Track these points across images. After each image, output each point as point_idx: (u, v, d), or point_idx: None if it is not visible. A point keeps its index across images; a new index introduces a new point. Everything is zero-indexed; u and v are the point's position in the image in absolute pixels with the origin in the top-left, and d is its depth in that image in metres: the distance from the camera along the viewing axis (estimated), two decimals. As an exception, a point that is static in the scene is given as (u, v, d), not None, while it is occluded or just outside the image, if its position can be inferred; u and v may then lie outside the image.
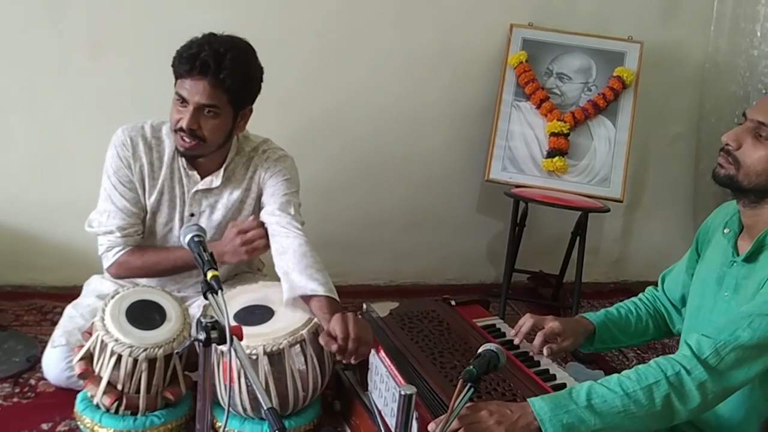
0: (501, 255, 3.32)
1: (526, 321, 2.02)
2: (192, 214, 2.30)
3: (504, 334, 2.18)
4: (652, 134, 3.54)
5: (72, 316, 2.30)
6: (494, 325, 2.24)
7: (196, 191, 2.27)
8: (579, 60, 3.19)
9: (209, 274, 1.67)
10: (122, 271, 2.28)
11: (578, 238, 3.09)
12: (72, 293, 2.52)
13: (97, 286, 2.42)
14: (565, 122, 3.08)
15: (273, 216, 2.23)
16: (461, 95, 3.25)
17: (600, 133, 3.15)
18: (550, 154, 3.09)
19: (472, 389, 1.57)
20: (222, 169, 2.26)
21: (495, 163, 3.12)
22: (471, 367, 1.59)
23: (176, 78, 2.10)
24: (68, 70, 2.76)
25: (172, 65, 2.08)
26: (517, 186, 3.08)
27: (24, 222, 2.90)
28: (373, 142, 3.20)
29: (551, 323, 1.96)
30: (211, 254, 1.77)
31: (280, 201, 2.26)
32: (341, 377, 2.28)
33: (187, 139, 2.11)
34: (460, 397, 1.54)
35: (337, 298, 2.04)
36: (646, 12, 3.34)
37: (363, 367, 2.12)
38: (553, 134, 3.08)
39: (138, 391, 1.96)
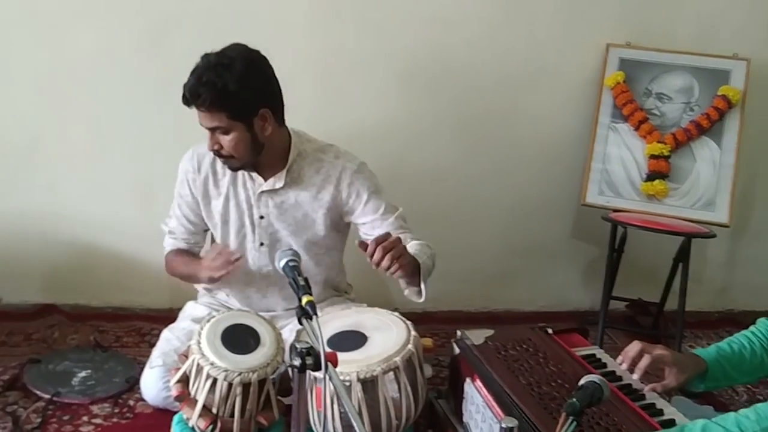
0: (596, 282, 3.22)
1: (634, 347, 1.92)
2: (261, 216, 2.33)
3: (605, 365, 2.09)
4: (761, 155, 3.36)
5: (168, 338, 2.36)
6: (594, 354, 2.15)
7: (262, 192, 2.30)
8: (680, 79, 3.06)
9: (304, 300, 1.67)
10: (167, 269, 2.47)
11: (681, 264, 2.95)
12: (168, 316, 2.58)
13: (192, 311, 2.49)
14: (665, 144, 2.96)
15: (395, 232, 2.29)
16: (555, 117, 3.17)
17: (703, 154, 3.01)
18: (650, 177, 2.97)
19: (574, 423, 1.50)
20: (284, 171, 2.28)
21: (591, 187, 3.02)
22: (574, 399, 1.52)
23: None
24: (168, 100, 2.79)
25: None
26: (615, 210, 2.98)
27: (125, 245, 2.99)
28: (464, 166, 3.16)
29: (661, 351, 1.85)
30: (306, 279, 1.77)
31: (388, 221, 2.33)
32: (435, 406, 2.24)
33: (223, 159, 2.21)
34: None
35: (420, 265, 2.14)
36: (751, 28, 3.18)
37: (458, 395, 2.07)
38: (652, 156, 2.97)
39: (232, 415, 1.96)
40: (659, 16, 3.12)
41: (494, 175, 3.20)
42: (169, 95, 2.80)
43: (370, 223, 2.35)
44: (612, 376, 1.97)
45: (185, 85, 2.10)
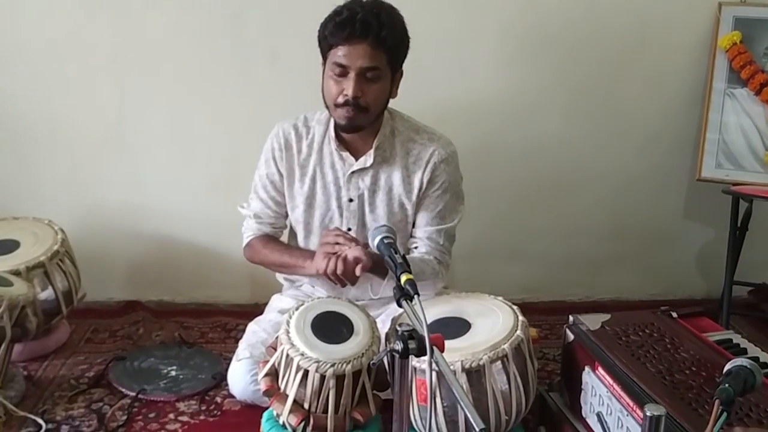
0: (712, 266, 2.97)
1: None
2: (351, 200, 2.18)
3: (745, 350, 1.84)
4: None
5: (255, 330, 2.25)
6: (730, 339, 1.91)
7: (352, 173, 2.15)
8: (806, 36, 2.75)
9: (403, 278, 1.51)
10: (251, 255, 2.32)
11: (815, 242, 2.65)
12: (253, 311, 2.47)
13: (278, 303, 2.37)
14: (792, 108, 2.67)
15: (422, 241, 2.22)
16: (661, 87, 2.89)
17: (836, 118, 2.70)
18: (775, 146, 2.68)
19: (724, 414, 1.28)
20: (373, 149, 2.13)
21: (707, 160, 2.74)
22: (726, 385, 1.29)
23: (328, 50, 2.02)
24: (248, 81, 2.72)
25: (322, 37, 2.02)
26: (735, 184, 2.69)
27: (208, 239, 2.90)
28: (562, 143, 2.92)
29: None
30: (404, 256, 1.61)
31: (433, 228, 2.20)
32: (546, 399, 2.04)
33: (351, 111, 2.01)
34: (718, 424, 1.25)
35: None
36: None
37: (573, 387, 1.86)
38: (777, 123, 2.68)
39: (325, 411, 1.81)
40: (776, -33, 2.82)
41: (596, 149, 2.95)
42: (247, 83, 2.75)
43: (418, 214, 2.22)
44: (757, 363, 1.71)
45: (354, 13, 1.95)
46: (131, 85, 2.73)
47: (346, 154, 2.15)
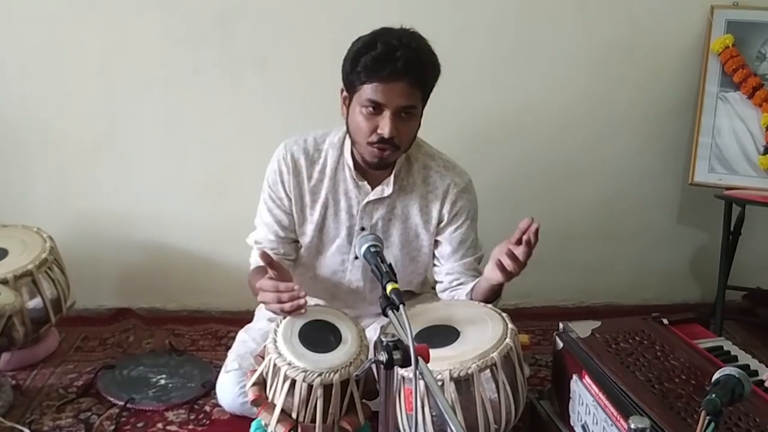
0: (707, 270, 2.96)
1: None
2: (363, 228, 2.11)
3: (735, 358, 1.83)
4: None
5: (244, 340, 2.22)
6: (721, 347, 1.90)
7: (368, 203, 2.09)
8: (798, 40, 2.75)
9: (389, 288, 1.49)
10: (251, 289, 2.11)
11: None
12: (246, 318, 2.44)
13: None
14: (784, 112, 2.65)
15: (464, 274, 2.14)
16: (655, 90, 2.89)
17: (829, 122, 2.68)
18: (768, 150, 2.67)
19: (712, 424, 1.26)
20: (392, 176, 2.06)
21: (700, 164, 2.73)
22: (713, 395, 1.28)
23: (359, 84, 1.88)
24: (237, 88, 2.72)
25: (352, 70, 1.88)
26: (729, 188, 2.68)
27: (200, 246, 2.89)
28: (555, 147, 2.92)
29: None
30: (390, 266, 1.59)
31: (471, 258, 2.15)
32: (536, 407, 2.02)
33: (387, 151, 1.93)
34: (705, 435, 1.23)
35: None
36: None
37: (563, 395, 1.85)
38: (771, 127, 2.67)
39: (314, 420, 1.79)
40: (769, -30, 2.81)
41: (588, 156, 2.94)
42: (238, 88, 2.73)
43: (449, 249, 2.15)
44: (746, 371, 1.69)
45: (392, 49, 1.83)
46: (121, 92, 2.71)
47: (363, 183, 2.07)
